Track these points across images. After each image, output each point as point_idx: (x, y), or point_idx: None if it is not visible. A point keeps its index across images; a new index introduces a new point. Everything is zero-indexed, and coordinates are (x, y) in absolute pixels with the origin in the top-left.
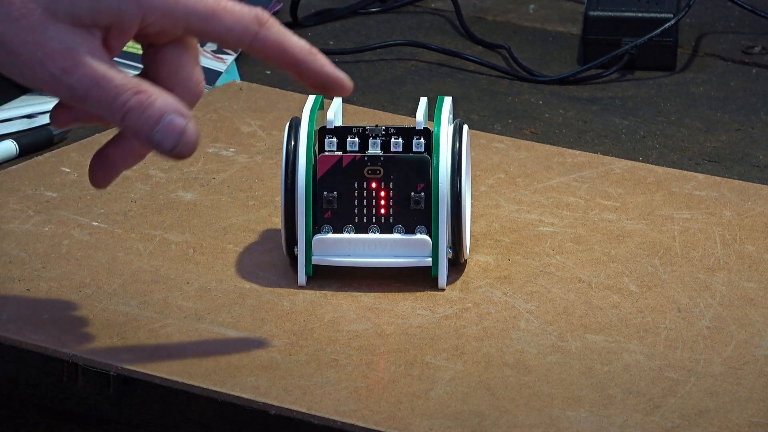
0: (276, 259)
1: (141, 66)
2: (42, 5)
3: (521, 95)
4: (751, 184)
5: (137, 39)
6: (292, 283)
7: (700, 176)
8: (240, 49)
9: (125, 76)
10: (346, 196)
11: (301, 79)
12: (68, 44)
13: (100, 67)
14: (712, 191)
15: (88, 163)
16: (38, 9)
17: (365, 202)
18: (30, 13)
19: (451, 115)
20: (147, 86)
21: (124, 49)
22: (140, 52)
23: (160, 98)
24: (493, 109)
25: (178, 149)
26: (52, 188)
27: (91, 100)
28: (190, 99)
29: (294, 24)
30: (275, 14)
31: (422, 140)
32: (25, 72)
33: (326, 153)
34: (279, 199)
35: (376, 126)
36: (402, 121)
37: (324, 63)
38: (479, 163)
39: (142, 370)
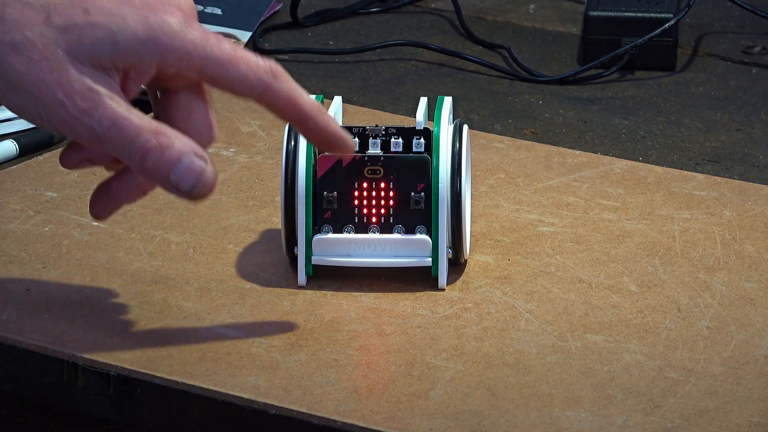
0: (276, 259)
1: None
2: (63, 48)
3: (521, 95)
4: (751, 184)
5: (152, 82)
6: (292, 283)
7: (700, 176)
8: (251, 100)
9: (144, 118)
10: (346, 196)
11: (306, 134)
12: (89, 86)
13: (119, 108)
14: (712, 191)
15: None
16: (59, 51)
17: (365, 202)
18: (51, 55)
19: (451, 115)
20: (166, 128)
21: None
22: None
23: (178, 140)
24: (493, 109)
25: (196, 191)
26: (52, 188)
27: (109, 141)
28: (203, 143)
29: (294, 24)
30: (275, 14)
31: (422, 140)
32: (43, 113)
33: (326, 153)
34: (279, 199)
35: (376, 126)
36: (402, 121)
37: (331, 121)
38: (479, 163)
39: (142, 370)
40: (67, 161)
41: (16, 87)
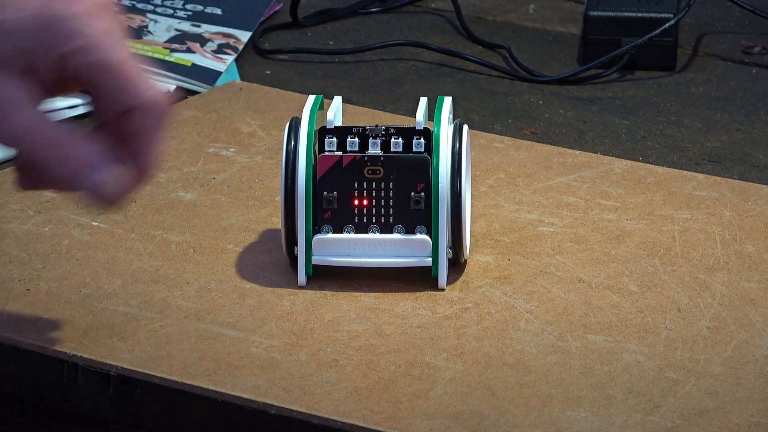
0: (276, 259)
1: (158, 70)
2: None
3: (521, 95)
4: (751, 184)
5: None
6: (292, 283)
7: (700, 176)
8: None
9: (53, 127)
10: (346, 196)
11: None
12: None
13: (30, 117)
14: (712, 191)
15: None
16: None
17: (365, 202)
18: None
19: (451, 115)
20: (74, 137)
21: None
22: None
23: (84, 150)
24: (493, 109)
25: (103, 198)
26: None
27: (23, 151)
28: (151, 109)
29: (294, 24)
30: (275, 14)
31: (422, 140)
32: None
33: (326, 153)
34: (279, 199)
35: (376, 126)
36: (402, 121)
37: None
38: (479, 163)
39: (142, 370)
40: (20, 185)
41: None
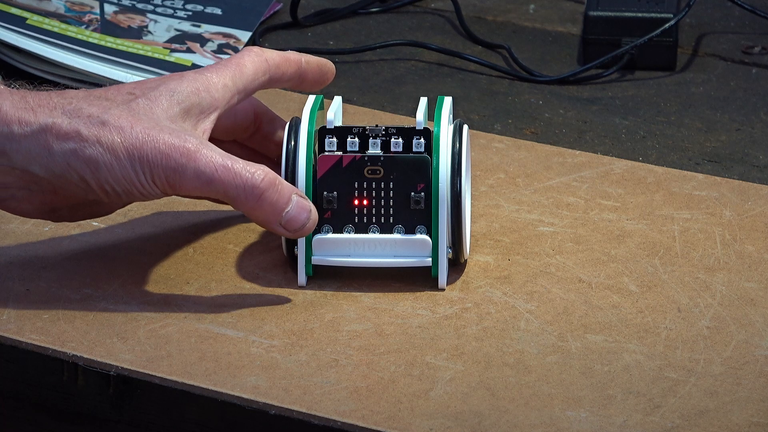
0: (276, 259)
1: (158, 70)
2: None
3: (521, 95)
4: (751, 184)
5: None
6: (292, 283)
7: (700, 176)
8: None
9: (244, 161)
10: (346, 196)
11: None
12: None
13: (215, 156)
14: (712, 191)
15: None
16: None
17: (365, 202)
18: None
19: (451, 115)
20: (269, 169)
21: (142, 53)
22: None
23: (283, 180)
24: (493, 109)
25: (308, 226)
26: None
27: (218, 183)
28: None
29: (294, 24)
30: (275, 14)
31: (422, 140)
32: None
33: (326, 153)
34: None
35: (376, 126)
36: (402, 121)
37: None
38: (479, 163)
39: (142, 370)
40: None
41: None
